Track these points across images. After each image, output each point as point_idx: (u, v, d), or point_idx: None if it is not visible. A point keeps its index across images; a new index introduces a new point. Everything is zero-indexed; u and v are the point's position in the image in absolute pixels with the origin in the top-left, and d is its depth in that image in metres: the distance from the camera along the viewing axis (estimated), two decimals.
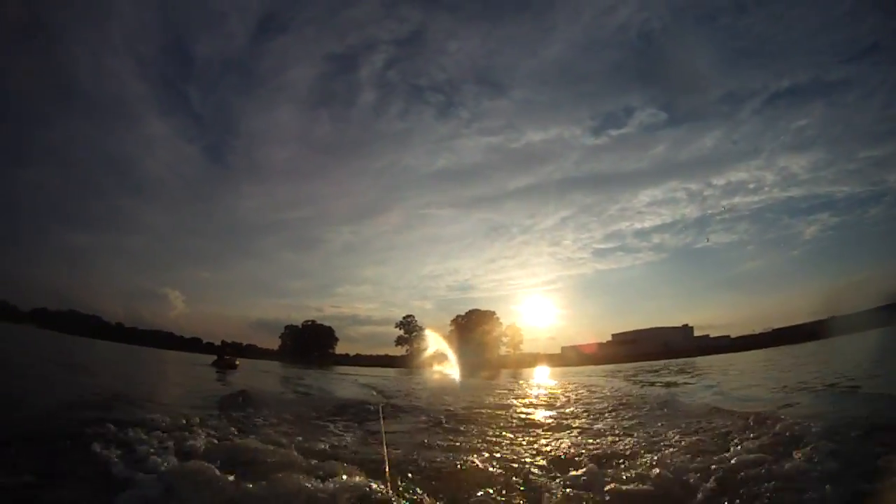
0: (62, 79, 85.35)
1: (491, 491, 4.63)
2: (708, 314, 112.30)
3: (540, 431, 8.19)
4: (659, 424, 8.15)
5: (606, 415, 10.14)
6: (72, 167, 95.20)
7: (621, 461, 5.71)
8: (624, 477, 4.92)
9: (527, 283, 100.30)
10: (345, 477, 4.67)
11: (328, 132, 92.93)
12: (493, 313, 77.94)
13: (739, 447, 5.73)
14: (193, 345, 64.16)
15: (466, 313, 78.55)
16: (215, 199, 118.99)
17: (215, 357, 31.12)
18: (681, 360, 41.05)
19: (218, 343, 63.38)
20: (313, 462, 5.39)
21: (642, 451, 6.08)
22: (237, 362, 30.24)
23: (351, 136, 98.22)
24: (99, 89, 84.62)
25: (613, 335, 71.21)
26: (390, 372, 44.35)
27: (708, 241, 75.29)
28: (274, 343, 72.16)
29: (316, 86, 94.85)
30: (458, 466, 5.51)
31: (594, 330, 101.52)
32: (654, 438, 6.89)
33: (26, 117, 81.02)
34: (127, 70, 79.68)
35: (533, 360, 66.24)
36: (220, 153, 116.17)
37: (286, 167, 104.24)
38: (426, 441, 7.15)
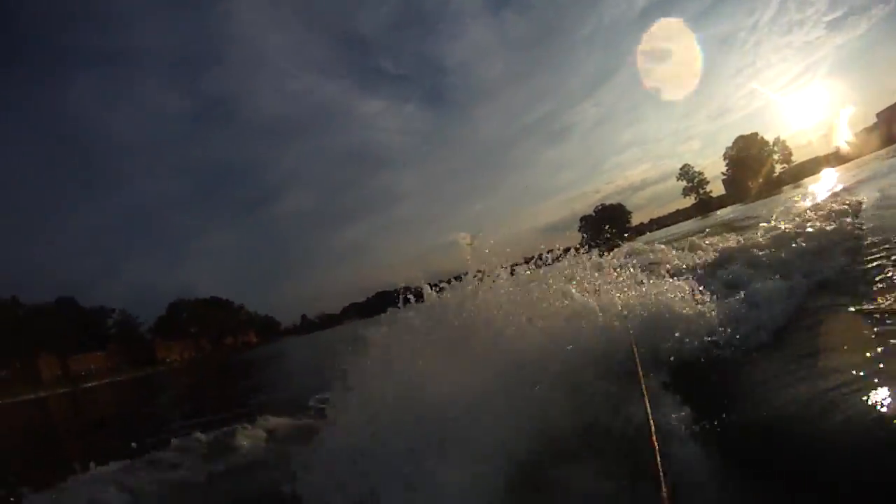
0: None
1: None
2: None
3: None
4: None
5: None
6: (320, 182, 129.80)
7: None
8: None
9: (776, 86, 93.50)
10: None
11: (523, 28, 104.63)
12: (756, 134, 77.43)
13: None
14: None
15: (732, 143, 79.55)
16: (450, 137, 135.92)
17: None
18: None
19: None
20: None
21: None
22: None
23: None
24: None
25: (878, 114, 62.50)
26: (689, 224, 45.15)
27: None
28: (574, 238, 79.23)
29: None
30: None
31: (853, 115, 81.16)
32: None
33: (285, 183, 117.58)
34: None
35: (813, 166, 62.74)
36: (436, 96, 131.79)
37: (503, 78, 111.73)
38: None
